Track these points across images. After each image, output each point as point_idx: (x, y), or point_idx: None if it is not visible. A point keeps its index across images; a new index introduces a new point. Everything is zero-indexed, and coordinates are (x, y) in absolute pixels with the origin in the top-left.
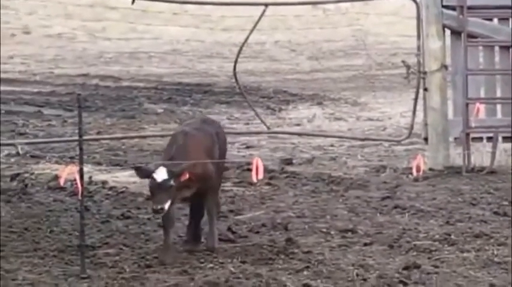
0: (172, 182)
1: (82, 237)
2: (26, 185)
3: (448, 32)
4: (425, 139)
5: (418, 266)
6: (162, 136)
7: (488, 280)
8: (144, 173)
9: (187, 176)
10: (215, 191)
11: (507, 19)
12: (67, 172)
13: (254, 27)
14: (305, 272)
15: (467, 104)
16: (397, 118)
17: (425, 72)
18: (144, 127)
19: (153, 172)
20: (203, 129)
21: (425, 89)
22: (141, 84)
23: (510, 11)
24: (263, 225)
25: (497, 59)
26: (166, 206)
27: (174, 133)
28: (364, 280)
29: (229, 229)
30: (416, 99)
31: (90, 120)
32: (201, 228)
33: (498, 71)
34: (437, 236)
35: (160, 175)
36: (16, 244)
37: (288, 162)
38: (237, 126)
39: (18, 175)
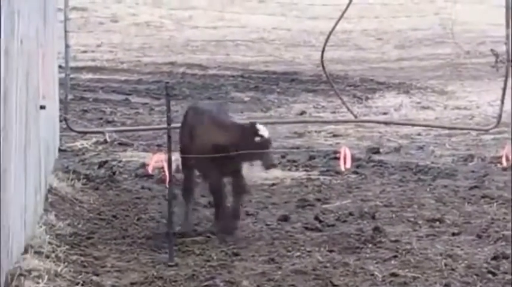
0: None
1: (170, 225)
2: (114, 173)
3: None
4: None
5: (507, 257)
6: None
7: None
8: (251, 130)
9: None
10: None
11: None
12: (155, 160)
13: (341, 15)
14: (393, 262)
15: None
16: (485, 107)
17: None
18: (230, 115)
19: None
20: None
21: None
22: (228, 73)
23: None
24: (350, 214)
25: None
26: None
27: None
28: (453, 269)
29: (316, 217)
30: (505, 88)
31: (177, 108)
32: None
33: None
34: None
35: (265, 131)
36: (105, 231)
37: (375, 151)
38: (324, 115)
39: (106, 162)
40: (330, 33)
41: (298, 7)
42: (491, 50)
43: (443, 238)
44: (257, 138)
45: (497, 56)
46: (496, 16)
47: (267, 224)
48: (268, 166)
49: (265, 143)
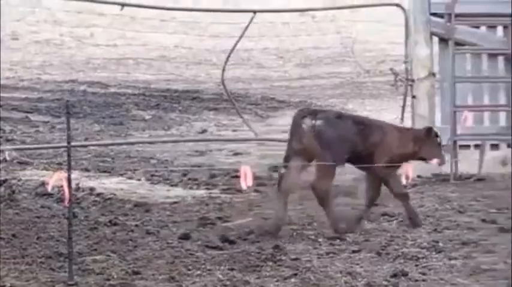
0: None
1: (70, 244)
2: (14, 192)
3: (436, 39)
4: None
5: (405, 274)
6: (150, 143)
7: None
8: (432, 133)
9: None
10: None
11: (495, 27)
12: (55, 178)
13: (242, 34)
14: (293, 280)
15: (454, 112)
16: None
17: (413, 80)
18: (131, 134)
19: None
20: None
21: (414, 97)
22: (129, 91)
23: (497, 19)
24: (251, 232)
25: (484, 66)
26: None
27: None
28: None
29: (217, 236)
30: (404, 106)
31: (78, 126)
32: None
33: (486, 79)
34: (425, 244)
35: None
36: (4, 251)
37: (276, 169)
38: (225, 133)
39: (5, 181)
40: (231, 51)
41: (199, 25)
42: (391, 69)
43: (343, 256)
44: (438, 139)
45: (396, 74)
46: (396, 35)
47: (168, 243)
48: (443, 162)
49: (441, 142)
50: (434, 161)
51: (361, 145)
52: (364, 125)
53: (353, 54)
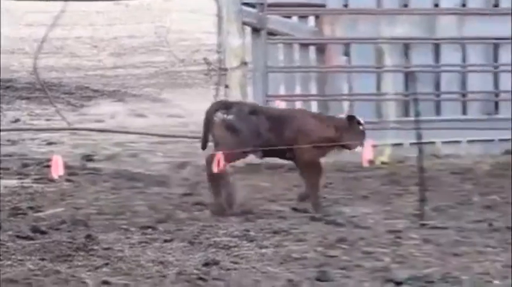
0: None
1: None
2: None
3: (249, 29)
4: None
5: (217, 263)
6: None
7: (286, 275)
8: (355, 120)
9: None
10: None
11: (306, 17)
12: None
13: (54, 22)
14: (104, 269)
15: (267, 101)
16: (199, 115)
17: (225, 69)
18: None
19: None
20: None
21: (226, 86)
22: None
23: (309, 9)
24: (63, 222)
25: (296, 56)
26: None
27: None
28: (164, 276)
29: (28, 226)
30: (217, 95)
31: None
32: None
33: (298, 69)
34: (236, 233)
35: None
36: None
37: (89, 158)
38: (38, 123)
39: None
40: (43, 40)
41: (13, 14)
42: (204, 58)
43: (155, 245)
44: (361, 127)
45: (209, 64)
46: (210, 25)
47: None
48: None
49: (364, 130)
50: (358, 149)
51: (275, 139)
52: (279, 119)
53: (167, 44)
